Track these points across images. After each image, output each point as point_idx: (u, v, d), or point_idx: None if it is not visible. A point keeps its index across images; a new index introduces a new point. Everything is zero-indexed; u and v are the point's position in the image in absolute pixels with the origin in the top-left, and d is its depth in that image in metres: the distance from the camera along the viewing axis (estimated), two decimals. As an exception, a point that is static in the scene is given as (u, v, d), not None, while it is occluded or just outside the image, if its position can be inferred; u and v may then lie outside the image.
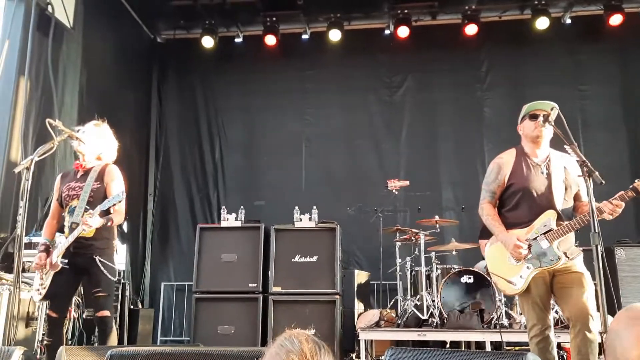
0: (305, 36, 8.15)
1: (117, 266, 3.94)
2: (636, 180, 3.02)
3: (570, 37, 7.71)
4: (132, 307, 6.62)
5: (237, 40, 8.25)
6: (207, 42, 7.87)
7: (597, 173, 2.84)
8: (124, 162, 7.60)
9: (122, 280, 6.37)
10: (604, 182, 2.85)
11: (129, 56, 7.75)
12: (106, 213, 3.66)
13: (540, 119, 3.22)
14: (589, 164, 2.87)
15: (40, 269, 3.70)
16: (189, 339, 6.31)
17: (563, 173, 3.28)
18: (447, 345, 5.53)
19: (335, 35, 7.67)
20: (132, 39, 7.95)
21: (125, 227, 7.42)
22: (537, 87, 7.45)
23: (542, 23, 7.33)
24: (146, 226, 8.01)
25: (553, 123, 3.14)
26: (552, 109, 3.19)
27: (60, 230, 3.97)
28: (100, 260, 3.67)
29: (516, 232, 3.24)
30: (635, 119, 7.41)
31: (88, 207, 3.67)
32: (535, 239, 3.18)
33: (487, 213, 3.38)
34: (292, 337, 1.43)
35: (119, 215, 3.75)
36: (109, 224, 3.67)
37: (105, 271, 3.69)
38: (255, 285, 5.94)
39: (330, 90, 8.16)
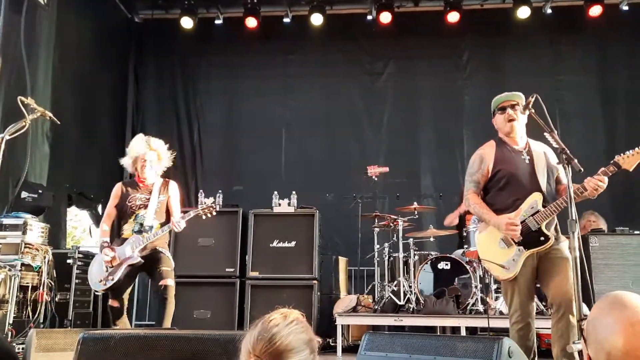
0: (286, 19, 8.04)
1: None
2: (616, 156, 3.03)
3: (551, 27, 7.76)
4: (106, 290, 6.52)
5: (217, 22, 8.10)
6: (187, 22, 7.70)
7: (575, 160, 2.85)
8: (99, 143, 7.48)
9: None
10: (582, 169, 2.87)
11: (105, 35, 7.55)
12: (167, 215, 4.50)
13: (508, 110, 3.31)
14: (568, 152, 2.88)
15: (110, 263, 4.25)
16: (164, 323, 6.24)
17: (544, 158, 3.32)
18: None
19: (317, 20, 7.58)
20: (108, 18, 7.74)
21: (100, 210, 7.30)
22: (517, 76, 7.49)
23: (523, 12, 7.35)
24: (122, 209, 7.87)
25: (533, 110, 3.15)
26: (533, 97, 3.20)
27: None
28: (163, 250, 4.39)
29: (505, 216, 3.25)
30: (612, 109, 7.52)
31: (155, 216, 4.38)
32: (523, 221, 3.20)
33: (474, 202, 3.40)
34: (270, 328, 1.40)
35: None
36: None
37: (167, 255, 4.40)
38: (232, 269, 5.91)
39: (312, 74, 8.10)
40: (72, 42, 6.70)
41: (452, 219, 6.26)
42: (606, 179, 3.01)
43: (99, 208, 7.30)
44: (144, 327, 7.15)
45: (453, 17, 7.47)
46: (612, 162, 3.03)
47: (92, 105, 7.28)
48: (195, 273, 5.93)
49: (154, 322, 7.29)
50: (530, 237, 3.17)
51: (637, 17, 7.47)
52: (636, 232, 5.81)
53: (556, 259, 3.15)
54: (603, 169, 3.04)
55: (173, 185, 4.64)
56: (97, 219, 7.30)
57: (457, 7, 7.45)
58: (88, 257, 6.10)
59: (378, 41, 7.99)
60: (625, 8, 7.46)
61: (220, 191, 6.29)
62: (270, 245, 5.89)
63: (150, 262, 4.33)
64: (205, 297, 5.85)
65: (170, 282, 4.27)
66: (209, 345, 2.38)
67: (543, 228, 3.16)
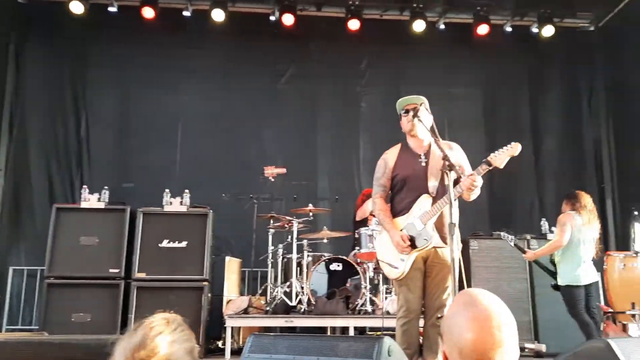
0: (186, 13, 7.76)
1: None
2: (490, 155, 3.24)
3: (444, 41, 8.15)
4: (-28, 293, 5.93)
5: (112, 9, 7.64)
6: (76, 7, 7.17)
7: (456, 167, 3.02)
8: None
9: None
10: (462, 176, 3.04)
11: (-20, 13, 6.87)
12: None
13: (410, 113, 3.42)
14: (450, 159, 3.04)
15: None
16: (39, 327, 5.78)
17: (442, 160, 3.48)
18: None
19: (218, 15, 7.40)
20: (-14, -5, 7.06)
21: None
22: (412, 86, 7.71)
23: (418, 26, 7.65)
24: (-6, 204, 7.20)
25: (420, 117, 3.29)
26: (421, 104, 3.35)
27: None
28: None
29: (400, 221, 3.41)
30: (493, 121, 8.11)
31: None
32: (412, 222, 3.37)
33: (379, 208, 3.56)
34: (153, 336, 1.33)
35: None
36: None
37: None
38: (117, 270, 5.59)
39: (212, 71, 7.89)
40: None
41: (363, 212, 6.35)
42: (479, 178, 3.20)
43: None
44: (17, 332, 6.62)
45: (354, 24, 7.62)
46: (483, 160, 3.25)
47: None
48: (75, 274, 5.55)
49: (29, 327, 6.75)
50: (416, 237, 3.34)
51: (518, 38, 8.10)
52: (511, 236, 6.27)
53: (440, 266, 3.33)
54: (477, 168, 3.24)
55: None
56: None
57: (357, 15, 7.61)
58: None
59: (280, 43, 7.96)
60: (509, 29, 8.06)
61: (106, 187, 5.96)
62: (160, 245, 5.66)
63: None
64: (85, 299, 5.48)
65: None
66: (77, 350, 2.23)
67: (427, 228, 3.32)
